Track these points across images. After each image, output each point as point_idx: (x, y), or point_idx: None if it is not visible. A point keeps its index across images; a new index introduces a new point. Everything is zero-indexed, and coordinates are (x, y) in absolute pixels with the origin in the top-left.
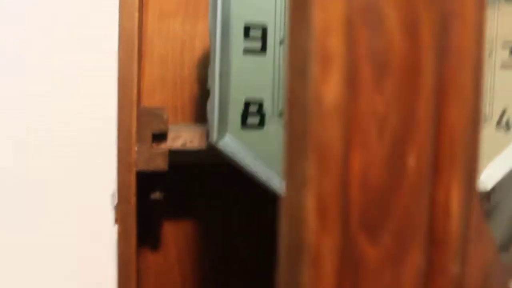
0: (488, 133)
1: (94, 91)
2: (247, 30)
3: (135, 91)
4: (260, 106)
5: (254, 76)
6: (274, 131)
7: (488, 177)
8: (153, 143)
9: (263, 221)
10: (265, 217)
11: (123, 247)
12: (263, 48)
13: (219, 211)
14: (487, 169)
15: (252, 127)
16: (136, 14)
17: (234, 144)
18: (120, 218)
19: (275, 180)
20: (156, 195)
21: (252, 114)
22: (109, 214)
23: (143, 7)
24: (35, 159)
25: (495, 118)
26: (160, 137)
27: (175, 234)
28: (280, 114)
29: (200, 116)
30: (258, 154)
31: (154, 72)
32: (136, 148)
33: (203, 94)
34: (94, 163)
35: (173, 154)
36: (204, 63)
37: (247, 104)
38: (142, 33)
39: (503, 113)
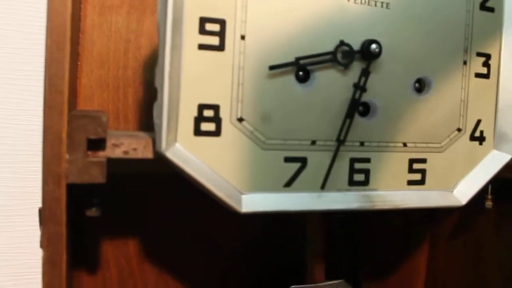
0: (462, 145)
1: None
2: (202, 24)
3: (66, 88)
4: (216, 111)
5: (210, 76)
6: (232, 139)
7: (463, 192)
8: (88, 151)
9: (211, 235)
10: (214, 231)
11: (50, 276)
12: (221, 44)
13: (164, 226)
14: (461, 184)
15: (207, 134)
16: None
17: (185, 154)
18: (46, 241)
19: (233, 195)
20: (92, 212)
21: (207, 120)
22: (37, 233)
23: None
24: None
25: (469, 130)
26: (97, 144)
27: (116, 254)
28: (240, 120)
29: (145, 123)
30: (212, 165)
31: (93, 72)
32: (67, 157)
33: (149, 98)
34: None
35: (112, 164)
36: (151, 63)
37: (201, 109)
38: (78, 23)
39: (477, 124)
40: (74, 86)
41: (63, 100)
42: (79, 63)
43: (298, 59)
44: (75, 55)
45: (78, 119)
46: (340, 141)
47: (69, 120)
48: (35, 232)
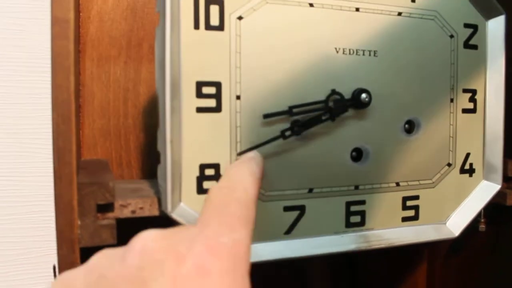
0: (452, 179)
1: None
2: (199, 88)
3: (73, 159)
4: (217, 169)
5: (209, 137)
6: None
7: (456, 224)
8: (98, 213)
9: None
10: None
11: None
12: (218, 105)
13: None
14: (454, 216)
15: None
16: (72, 77)
17: (190, 213)
18: None
19: None
20: None
21: (209, 178)
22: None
23: (80, 53)
24: None
25: (459, 164)
26: (105, 206)
27: None
28: None
29: (148, 168)
30: None
31: (95, 122)
32: (78, 223)
33: (150, 143)
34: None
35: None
36: (150, 110)
37: (202, 168)
38: (78, 77)
39: (467, 157)
40: (78, 136)
41: (71, 170)
42: (81, 114)
43: (291, 108)
44: (77, 107)
45: (87, 186)
46: None
47: (79, 188)
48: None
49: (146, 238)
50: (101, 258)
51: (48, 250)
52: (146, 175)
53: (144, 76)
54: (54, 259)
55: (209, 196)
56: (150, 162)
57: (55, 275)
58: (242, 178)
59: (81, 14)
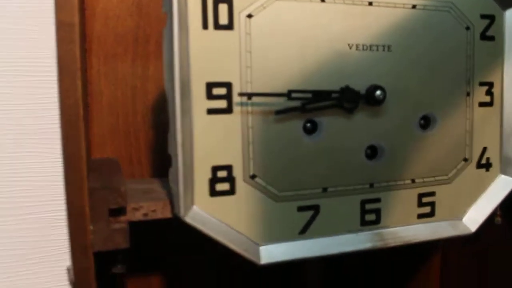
0: (469, 174)
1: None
2: (209, 89)
3: (83, 165)
4: (230, 171)
5: (221, 138)
6: (246, 196)
7: (472, 219)
8: (110, 217)
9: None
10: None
11: None
12: (229, 106)
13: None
14: (470, 212)
15: (222, 194)
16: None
17: (203, 215)
18: None
19: (250, 248)
20: (118, 269)
21: (221, 180)
22: None
23: (86, 51)
24: None
25: (475, 158)
26: (118, 209)
27: None
28: (253, 177)
29: (158, 165)
30: (229, 222)
31: (104, 120)
32: (91, 228)
33: (160, 140)
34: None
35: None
36: (159, 107)
37: (214, 170)
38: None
39: (483, 152)
40: (87, 137)
41: (82, 176)
42: (89, 112)
43: (304, 104)
44: (85, 108)
45: (98, 191)
46: None
47: (90, 193)
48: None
49: None
50: None
51: (61, 249)
52: (157, 172)
53: (152, 73)
54: (66, 257)
55: None
56: (160, 159)
57: (69, 279)
58: None
59: (86, 11)
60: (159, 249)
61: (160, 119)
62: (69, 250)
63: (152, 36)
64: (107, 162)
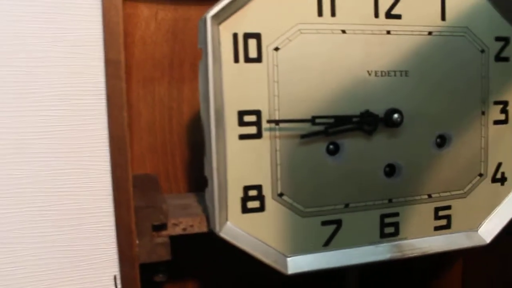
0: (484, 188)
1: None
2: (241, 117)
3: (130, 187)
4: (259, 190)
5: (251, 161)
6: (274, 212)
7: (487, 231)
8: (153, 231)
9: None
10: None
11: None
12: (259, 132)
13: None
14: (485, 223)
15: (253, 211)
16: (125, 121)
17: (236, 231)
18: None
19: (279, 260)
20: (159, 278)
21: (252, 199)
22: None
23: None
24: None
25: (490, 173)
26: (159, 225)
27: None
28: (281, 195)
29: (194, 180)
30: (259, 236)
31: (143, 139)
32: (137, 242)
33: (194, 157)
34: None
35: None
36: (193, 127)
37: (246, 190)
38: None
39: (498, 167)
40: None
41: (129, 197)
42: (130, 132)
43: (327, 128)
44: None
45: (143, 210)
46: None
47: (136, 211)
48: None
49: None
50: None
51: (107, 257)
52: (192, 187)
53: (187, 95)
54: (111, 265)
55: None
56: (195, 175)
57: (115, 286)
58: None
59: (126, 39)
60: (193, 259)
61: (194, 137)
62: (118, 261)
63: (186, 61)
64: (147, 178)
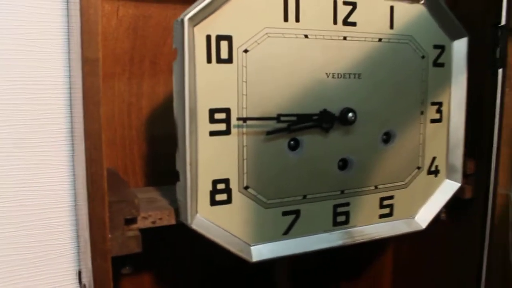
0: (421, 180)
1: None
2: (212, 114)
3: (104, 183)
4: (227, 183)
5: (220, 156)
6: (240, 204)
7: (423, 218)
8: (124, 225)
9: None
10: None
11: None
12: (228, 129)
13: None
14: (421, 211)
15: (220, 203)
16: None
17: (205, 223)
18: None
19: (244, 248)
20: (126, 270)
21: (220, 192)
22: None
23: None
24: None
25: (426, 166)
26: (130, 219)
27: None
28: (246, 188)
29: (150, 175)
30: (226, 227)
31: (103, 134)
32: (109, 236)
33: (151, 152)
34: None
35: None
36: (152, 122)
37: (214, 183)
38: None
39: (433, 160)
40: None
41: (103, 193)
42: None
43: (290, 125)
44: None
45: (116, 204)
46: None
47: (109, 206)
48: None
49: None
50: None
51: (63, 252)
52: (150, 181)
53: (146, 91)
54: (69, 260)
55: None
56: (152, 169)
57: (79, 281)
58: None
59: None
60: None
61: (152, 132)
62: (90, 255)
63: (146, 57)
64: (110, 173)
